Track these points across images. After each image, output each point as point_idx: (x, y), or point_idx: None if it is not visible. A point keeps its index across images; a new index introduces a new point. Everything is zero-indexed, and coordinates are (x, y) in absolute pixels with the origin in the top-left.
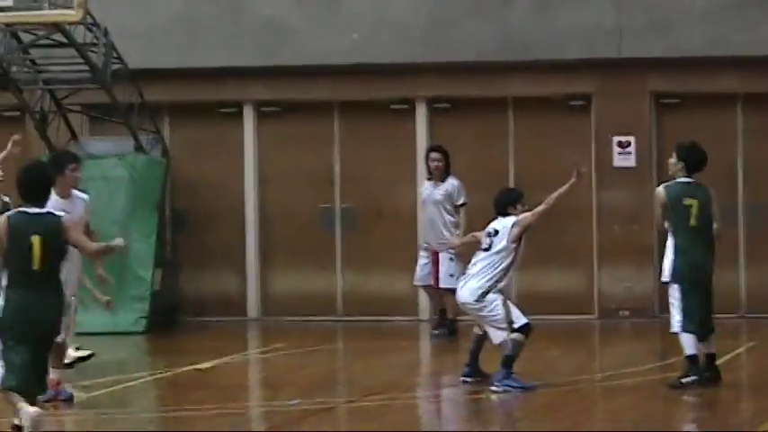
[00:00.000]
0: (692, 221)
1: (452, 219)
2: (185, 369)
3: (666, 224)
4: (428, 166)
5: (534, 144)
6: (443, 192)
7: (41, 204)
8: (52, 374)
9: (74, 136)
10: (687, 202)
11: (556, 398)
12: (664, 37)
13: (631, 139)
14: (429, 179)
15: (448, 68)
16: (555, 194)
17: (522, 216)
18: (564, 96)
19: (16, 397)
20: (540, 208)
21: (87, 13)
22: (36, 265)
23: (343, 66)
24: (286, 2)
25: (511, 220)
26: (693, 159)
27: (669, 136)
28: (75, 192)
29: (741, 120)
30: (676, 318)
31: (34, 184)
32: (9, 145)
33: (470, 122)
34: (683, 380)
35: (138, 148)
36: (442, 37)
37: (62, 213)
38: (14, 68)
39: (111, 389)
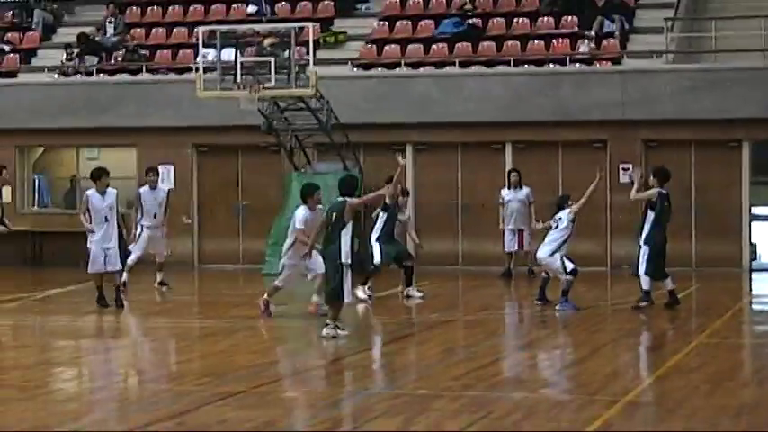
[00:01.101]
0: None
1: (526, 211)
2: None
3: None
4: (509, 180)
5: (574, 168)
6: (521, 195)
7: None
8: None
9: (308, 161)
10: (667, 204)
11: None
12: (649, 106)
13: (629, 165)
14: (509, 187)
15: (523, 124)
16: (588, 190)
17: (573, 207)
18: (590, 140)
19: None
20: (581, 200)
21: (317, 90)
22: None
23: (463, 122)
24: (430, 82)
25: (566, 211)
26: (663, 176)
27: (651, 164)
28: (319, 206)
29: (694, 155)
30: (643, 266)
31: (345, 185)
32: None
33: (536, 155)
34: (640, 304)
35: (345, 168)
36: (520, 105)
37: (345, 200)
38: (275, 122)
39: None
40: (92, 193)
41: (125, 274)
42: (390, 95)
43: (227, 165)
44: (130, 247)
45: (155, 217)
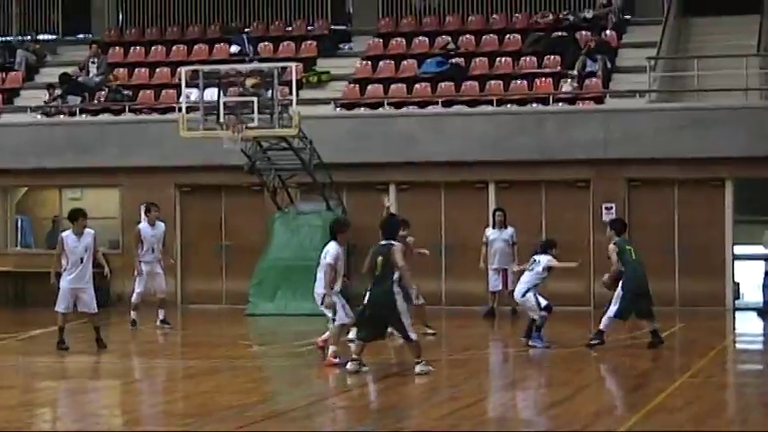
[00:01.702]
0: (633, 257)
1: (510, 251)
2: None
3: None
4: (494, 220)
5: (557, 208)
6: (506, 235)
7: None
8: None
9: (291, 201)
10: (628, 247)
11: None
12: (631, 145)
13: (613, 204)
14: (493, 226)
15: (506, 163)
16: (566, 265)
17: (553, 261)
18: (575, 180)
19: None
20: (561, 264)
21: (300, 130)
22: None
23: (447, 161)
24: (413, 121)
25: (547, 258)
26: (619, 227)
27: (634, 203)
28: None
29: (677, 194)
30: (613, 308)
31: (387, 229)
32: None
33: (520, 195)
34: (592, 342)
35: (328, 207)
36: (503, 144)
37: (393, 243)
38: (258, 162)
39: None
40: (67, 234)
41: (132, 313)
42: (373, 135)
43: (210, 205)
44: (136, 284)
45: (152, 252)
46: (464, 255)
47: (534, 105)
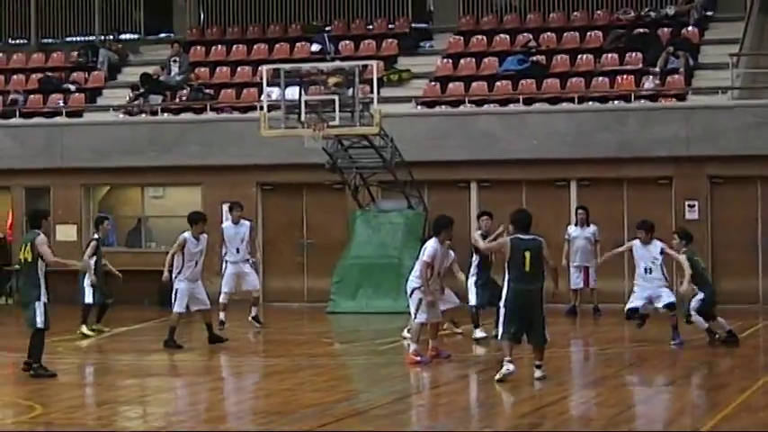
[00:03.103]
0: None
1: (592, 248)
2: None
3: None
4: (577, 217)
5: (639, 205)
6: (588, 233)
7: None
8: None
9: (372, 199)
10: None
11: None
12: (714, 142)
13: (695, 201)
14: (576, 224)
15: (588, 161)
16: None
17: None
18: (656, 177)
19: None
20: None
21: (381, 128)
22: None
23: (527, 159)
24: (494, 119)
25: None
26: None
27: (717, 200)
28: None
29: (760, 191)
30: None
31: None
32: None
33: (602, 192)
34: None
35: (409, 206)
36: (584, 142)
37: (538, 238)
38: (339, 160)
39: None
40: (188, 236)
41: (221, 314)
42: (454, 133)
43: (291, 203)
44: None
45: (237, 252)
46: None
47: (616, 103)
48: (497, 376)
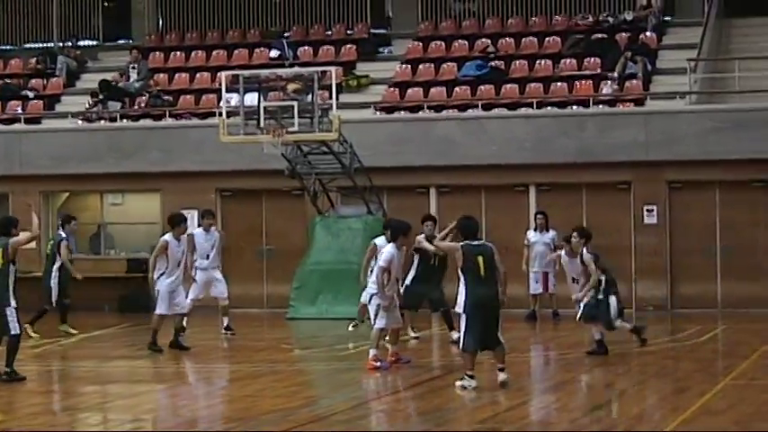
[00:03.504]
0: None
1: (552, 253)
2: None
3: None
4: (536, 223)
5: (598, 210)
6: (547, 238)
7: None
8: None
9: (332, 205)
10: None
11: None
12: (672, 147)
13: (654, 207)
14: (535, 229)
15: (547, 166)
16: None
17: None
18: (615, 182)
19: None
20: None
21: (340, 134)
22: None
23: (487, 165)
24: (453, 125)
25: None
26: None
27: (675, 205)
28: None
29: (718, 196)
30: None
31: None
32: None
33: (561, 197)
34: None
35: (369, 211)
36: (544, 146)
37: (488, 244)
38: (299, 166)
39: None
40: (169, 238)
41: (184, 319)
42: (413, 138)
43: (251, 209)
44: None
45: (207, 258)
46: (504, 258)
47: (574, 108)
48: (457, 389)
